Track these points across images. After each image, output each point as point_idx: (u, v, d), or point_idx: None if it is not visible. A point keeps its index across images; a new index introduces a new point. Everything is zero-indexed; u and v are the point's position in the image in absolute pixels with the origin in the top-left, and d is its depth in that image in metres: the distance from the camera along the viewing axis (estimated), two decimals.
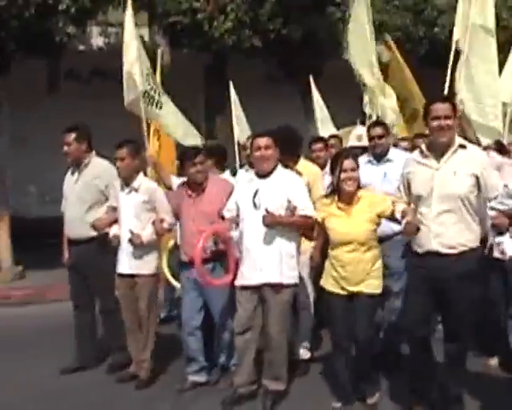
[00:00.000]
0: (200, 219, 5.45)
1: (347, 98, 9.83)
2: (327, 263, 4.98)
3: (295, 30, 10.57)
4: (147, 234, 5.62)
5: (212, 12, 9.42)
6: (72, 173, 6.21)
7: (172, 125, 7.57)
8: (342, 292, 4.85)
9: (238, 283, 5.19)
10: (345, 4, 11.02)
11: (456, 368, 4.69)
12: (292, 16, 10.60)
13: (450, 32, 11.84)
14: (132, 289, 5.74)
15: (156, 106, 7.23)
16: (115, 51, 9.32)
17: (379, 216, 4.83)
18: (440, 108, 4.51)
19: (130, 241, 5.60)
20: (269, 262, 5.05)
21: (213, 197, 5.49)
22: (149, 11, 10.80)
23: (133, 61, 6.74)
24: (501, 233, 4.77)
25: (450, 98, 4.94)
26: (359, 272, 4.79)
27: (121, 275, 5.79)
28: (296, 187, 5.14)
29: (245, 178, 5.46)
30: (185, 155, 5.70)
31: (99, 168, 6.17)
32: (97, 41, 11.57)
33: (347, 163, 4.80)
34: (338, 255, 4.84)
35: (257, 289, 5.11)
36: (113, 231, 5.86)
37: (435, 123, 4.49)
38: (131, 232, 5.57)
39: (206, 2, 10.18)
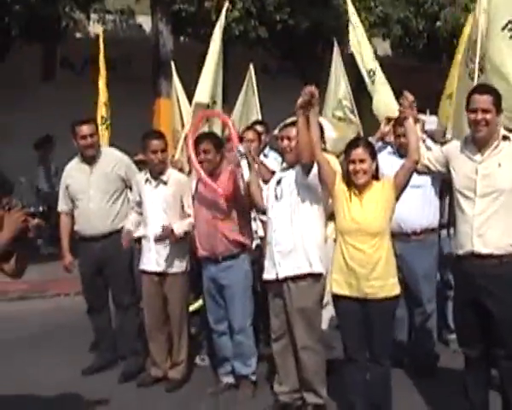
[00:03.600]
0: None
1: None
2: (334, 257, 4.43)
3: (302, 21, 10.35)
4: (178, 227, 5.33)
5: (220, 1, 9.13)
6: (81, 166, 5.85)
7: None
8: (353, 294, 4.29)
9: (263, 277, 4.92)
10: None
11: None
12: (298, 7, 10.39)
13: (453, 26, 11.92)
14: (160, 287, 5.49)
15: None
16: (112, 39, 9.06)
17: (394, 191, 4.34)
18: (478, 99, 4.14)
19: (159, 237, 5.30)
20: (288, 254, 4.69)
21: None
22: None
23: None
24: None
25: (494, 89, 4.38)
26: (370, 268, 4.23)
27: (147, 273, 5.52)
28: None
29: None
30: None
31: (113, 156, 5.95)
32: (95, 28, 11.19)
33: (355, 154, 4.32)
34: (346, 245, 4.31)
35: (278, 284, 4.75)
36: (127, 225, 5.60)
37: (472, 116, 4.13)
38: (162, 227, 5.27)
39: None
